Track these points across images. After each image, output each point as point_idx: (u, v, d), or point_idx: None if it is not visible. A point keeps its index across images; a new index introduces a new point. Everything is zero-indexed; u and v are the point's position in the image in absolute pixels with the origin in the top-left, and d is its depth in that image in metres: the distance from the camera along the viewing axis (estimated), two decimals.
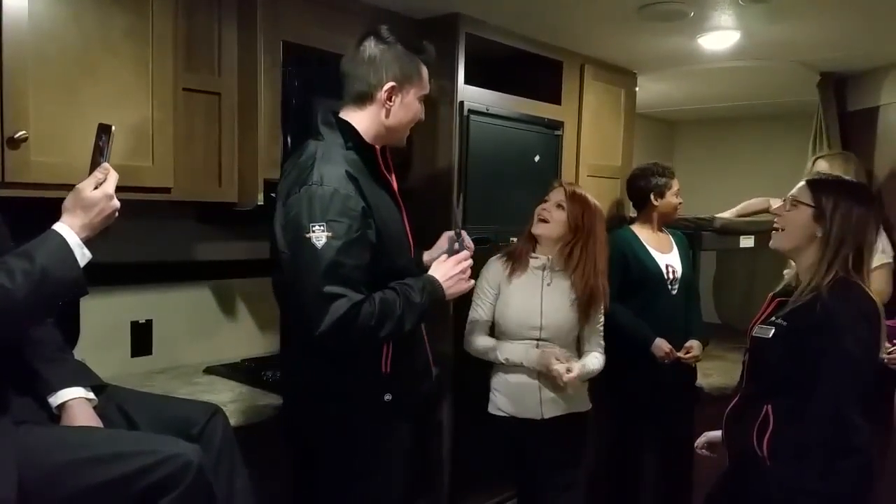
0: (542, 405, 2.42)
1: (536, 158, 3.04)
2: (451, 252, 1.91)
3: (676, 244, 3.06)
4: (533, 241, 2.49)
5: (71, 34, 1.82)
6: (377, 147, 1.82)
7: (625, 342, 2.76)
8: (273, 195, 1.94)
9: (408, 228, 1.90)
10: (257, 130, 2.23)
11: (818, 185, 1.87)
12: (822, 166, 3.06)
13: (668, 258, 2.99)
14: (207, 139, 2.21)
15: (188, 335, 2.58)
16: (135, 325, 2.44)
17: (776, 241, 1.92)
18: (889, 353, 2.46)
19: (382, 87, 1.78)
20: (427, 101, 1.93)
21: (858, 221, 1.79)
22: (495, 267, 2.51)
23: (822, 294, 1.74)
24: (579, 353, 2.54)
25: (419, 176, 2.77)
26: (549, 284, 2.45)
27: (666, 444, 3.01)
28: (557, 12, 2.70)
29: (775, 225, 1.92)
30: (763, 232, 2.94)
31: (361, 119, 1.82)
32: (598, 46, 3.20)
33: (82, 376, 1.67)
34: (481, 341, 2.48)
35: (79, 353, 1.97)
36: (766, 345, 1.84)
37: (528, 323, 2.42)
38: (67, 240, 1.41)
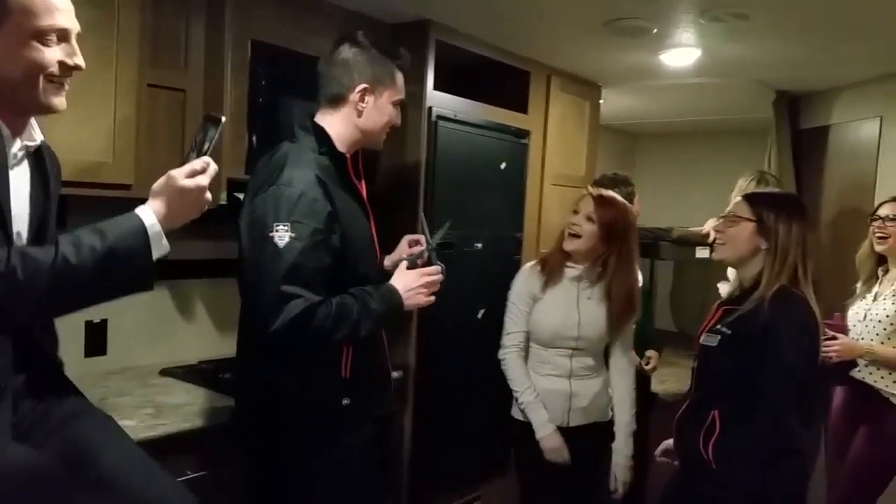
0: (569, 413, 2.41)
1: (502, 166, 3.06)
2: (412, 263, 1.89)
3: None
4: (565, 254, 2.42)
5: None
6: (348, 155, 1.83)
7: None
8: (237, 195, 1.96)
9: (374, 236, 1.91)
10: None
11: (757, 200, 1.94)
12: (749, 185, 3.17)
13: None
14: (171, 136, 2.17)
15: (144, 336, 2.52)
16: (89, 325, 2.37)
17: (720, 253, 1.98)
18: (824, 348, 2.55)
19: (355, 88, 1.81)
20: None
21: (798, 232, 1.86)
22: (529, 276, 2.46)
23: (765, 304, 1.81)
24: (607, 364, 2.53)
25: (386, 180, 2.76)
26: (588, 298, 2.41)
27: None
28: (526, 24, 2.73)
29: (718, 240, 1.98)
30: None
31: (335, 121, 1.83)
32: (565, 58, 3.25)
33: None
34: (513, 369, 2.42)
35: None
36: (712, 352, 1.91)
37: (565, 333, 2.39)
38: (147, 225, 1.29)
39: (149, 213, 1.31)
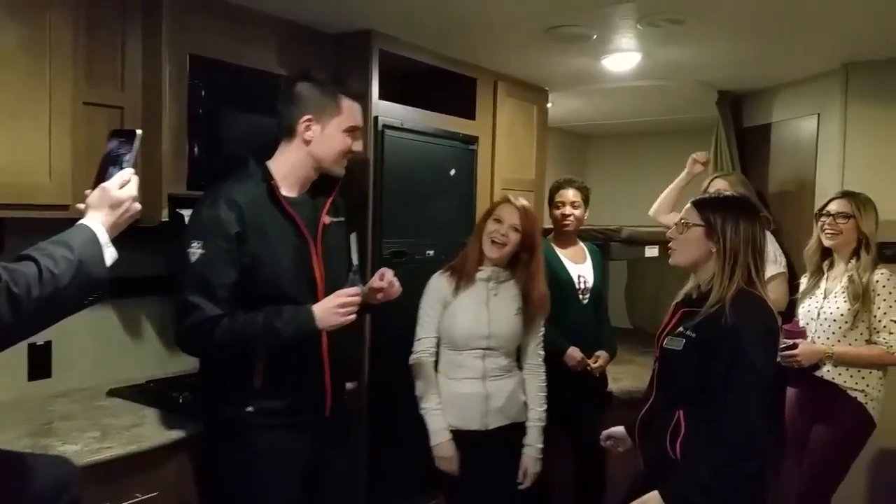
0: (487, 415, 2.45)
1: (452, 172, 3.09)
2: (349, 285, 1.98)
3: (591, 256, 3.15)
4: (481, 258, 2.49)
5: None
6: (275, 184, 1.95)
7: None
8: (179, 211, 2.09)
9: (314, 263, 1.99)
10: (161, 145, 2.20)
11: (703, 204, 1.98)
12: (720, 184, 3.20)
13: (581, 268, 3.08)
14: None
15: (91, 356, 2.48)
16: (32, 347, 2.32)
17: (674, 258, 2.02)
18: (783, 352, 2.61)
19: (301, 120, 1.96)
20: None
21: (746, 232, 1.89)
22: (439, 283, 2.51)
23: (727, 307, 1.84)
24: (519, 365, 2.57)
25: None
26: (495, 295, 2.49)
27: (578, 448, 3.08)
28: (469, 32, 2.76)
29: (672, 246, 2.02)
30: (666, 242, 3.06)
31: (289, 152, 2.00)
32: (510, 64, 3.29)
33: None
34: (421, 378, 2.46)
35: None
36: (678, 356, 1.93)
37: (476, 333, 2.45)
38: (98, 236, 1.37)
39: (96, 224, 1.38)
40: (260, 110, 2.13)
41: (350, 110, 2.01)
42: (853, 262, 2.71)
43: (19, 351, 2.29)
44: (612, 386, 3.24)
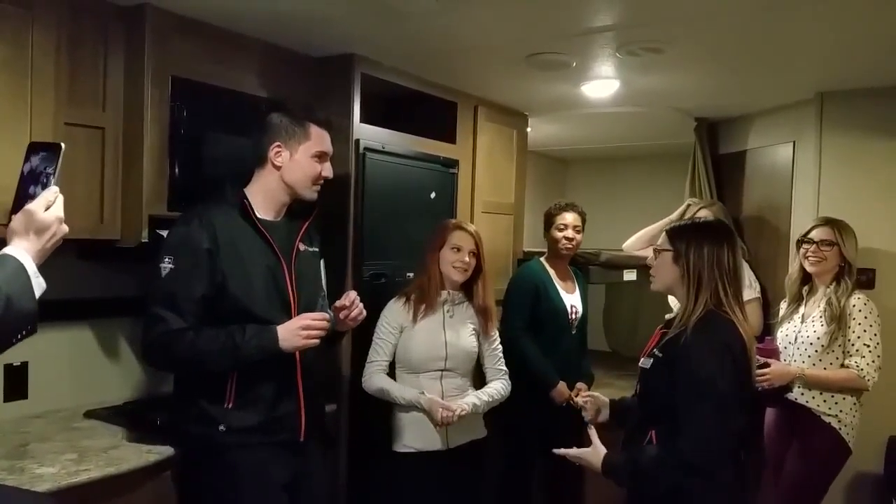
0: (447, 434, 2.48)
1: (432, 195, 3.11)
2: (318, 310, 2.05)
3: (578, 283, 3.17)
4: (441, 283, 2.57)
5: None
6: (248, 203, 2.01)
7: (527, 377, 2.85)
8: (159, 231, 2.11)
9: (287, 284, 2.04)
10: (142, 166, 2.20)
11: (673, 232, 2.04)
12: (704, 213, 3.27)
13: (573, 298, 3.10)
14: (89, 175, 2.15)
15: (68, 377, 2.45)
16: (9, 368, 2.30)
17: (653, 285, 2.10)
18: (758, 378, 2.64)
19: (270, 147, 2.04)
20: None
21: (710, 255, 1.93)
22: (396, 309, 2.57)
23: (689, 328, 1.88)
24: (482, 382, 2.63)
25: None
26: (451, 316, 2.58)
27: (555, 472, 3.08)
28: (450, 57, 2.80)
29: (651, 272, 2.08)
30: (643, 267, 3.10)
31: (263, 178, 2.07)
32: (491, 89, 3.33)
33: None
34: (378, 382, 2.52)
35: None
36: (647, 375, 1.98)
37: (434, 355, 2.52)
38: (26, 266, 1.25)
39: (22, 253, 1.27)
40: (242, 132, 2.15)
41: (318, 137, 2.08)
42: (833, 286, 2.77)
43: None
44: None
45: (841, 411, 2.69)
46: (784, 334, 2.89)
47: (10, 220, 1.31)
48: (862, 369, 2.64)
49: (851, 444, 2.70)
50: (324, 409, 2.31)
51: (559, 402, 2.92)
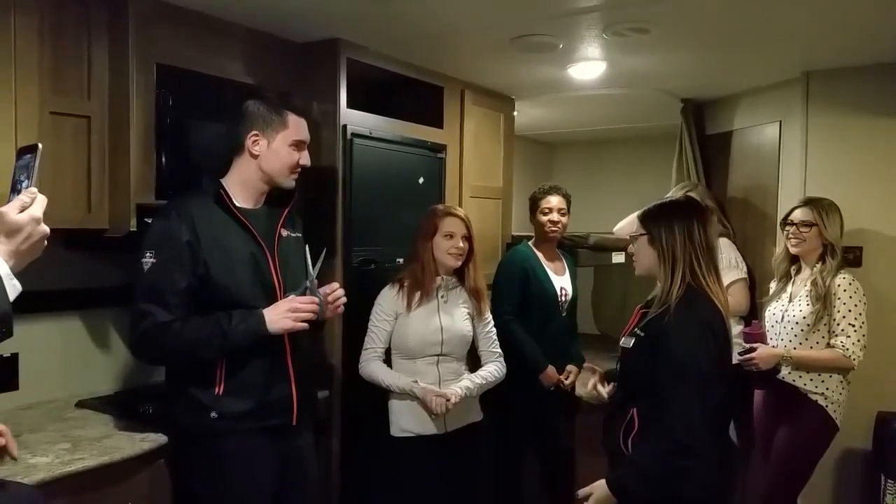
0: (444, 418, 2.49)
1: (420, 180, 3.11)
2: (302, 293, 2.03)
3: (567, 266, 3.18)
4: (436, 270, 2.57)
5: None
6: (224, 193, 2.02)
7: (517, 361, 2.86)
8: (147, 220, 2.09)
9: (271, 270, 2.05)
10: (129, 155, 2.18)
11: (644, 216, 2.07)
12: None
13: (562, 281, 3.11)
14: (75, 164, 2.14)
15: (58, 368, 2.45)
16: None
17: (637, 269, 2.12)
18: (742, 355, 2.68)
19: (247, 136, 2.04)
20: (312, 129, 2.14)
21: (681, 231, 1.96)
22: (390, 297, 2.57)
23: (671, 306, 1.90)
24: (478, 365, 2.65)
25: (303, 199, 2.76)
26: (445, 301, 2.59)
27: (548, 456, 3.11)
28: (436, 41, 2.79)
29: (633, 258, 2.11)
30: None
31: (240, 166, 2.07)
32: (477, 73, 3.32)
33: None
34: (374, 369, 2.53)
35: None
36: (629, 354, 2.01)
37: (430, 340, 2.53)
38: None
39: None
40: (228, 119, 2.13)
41: (296, 125, 2.08)
42: (818, 266, 2.79)
43: None
44: (581, 391, 3.27)
45: (827, 389, 2.72)
46: (771, 313, 2.91)
47: None
48: (847, 349, 2.67)
49: (839, 421, 2.74)
50: (316, 394, 2.32)
51: (547, 385, 2.94)
